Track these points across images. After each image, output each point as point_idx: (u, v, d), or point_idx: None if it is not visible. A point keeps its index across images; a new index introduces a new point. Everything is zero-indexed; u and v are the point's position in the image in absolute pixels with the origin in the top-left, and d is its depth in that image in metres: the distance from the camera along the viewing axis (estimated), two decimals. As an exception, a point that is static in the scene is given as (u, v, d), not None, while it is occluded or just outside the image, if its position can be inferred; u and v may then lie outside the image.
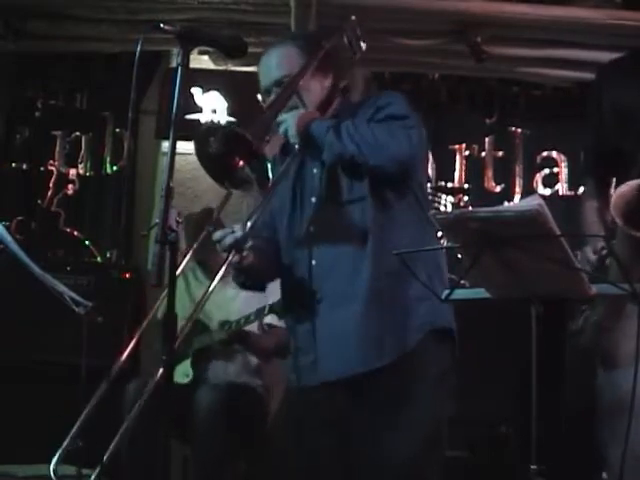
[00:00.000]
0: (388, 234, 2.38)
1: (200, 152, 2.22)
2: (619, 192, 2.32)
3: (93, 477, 2.60)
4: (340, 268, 2.41)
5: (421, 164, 2.54)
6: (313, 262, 2.45)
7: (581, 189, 3.05)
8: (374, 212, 2.39)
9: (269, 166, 2.28)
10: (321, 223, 2.46)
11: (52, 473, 2.64)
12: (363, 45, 2.67)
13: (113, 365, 2.70)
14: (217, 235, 2.33)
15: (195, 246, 2.85)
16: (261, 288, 2.69)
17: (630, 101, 2.56)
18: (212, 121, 4.93)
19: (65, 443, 2.64)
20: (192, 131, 2.25)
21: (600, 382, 2.56)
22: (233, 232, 2.31)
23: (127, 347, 2.68)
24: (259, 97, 2.57)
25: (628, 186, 2.33)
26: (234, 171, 2.24)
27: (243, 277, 2.52)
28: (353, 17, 2.65)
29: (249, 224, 2.33)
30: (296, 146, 2.40)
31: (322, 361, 2.41)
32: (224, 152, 2.22)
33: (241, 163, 2.24)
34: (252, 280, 2.56)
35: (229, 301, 3.99)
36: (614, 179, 2.71)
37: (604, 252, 2.42)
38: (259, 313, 3.66)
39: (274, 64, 2.50)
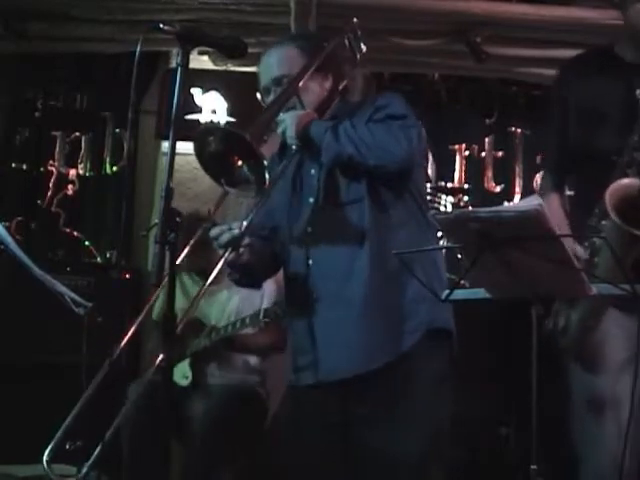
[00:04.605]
0: (385, 236, 2.39)
1: (199, 151, 2.22)
2: (616, 184, 2.31)
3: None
4: (337, 269, 2.41)
5: (419, 164, 2.55)
6: (310, 262, 2.45)
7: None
8: (371, 214, 2.40)
9: (267, 167, 2.28)
10: (318, 224, 2.46)
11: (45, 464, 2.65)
12: (363, 47, 2.69)
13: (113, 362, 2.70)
14: (214, 232, 2.34)
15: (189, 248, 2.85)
16: (256, 285, 2.69)
17: (597, 101, 2.55)
18: (211, 121, 4.93)
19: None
20: (192, 131, 2.25)
21: (575, 381, 2.55)
22: (230, 229, 2.32)
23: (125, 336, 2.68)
24: (258, 96, 2.58)
25: (629, 181, 2.33)
26: (232, 170, 2.25)
27: (237, 275, 2.52)
28: (355, 19, 2.67)
29: (245, 223, 2.33)
30: (293, 146, 2.40)
31: (320, 361, 2.41)
32: (223, 151, 2.22)
33: (239, 162, 2.25)
34: (246, 278, 2.57)
35: (225, 302, 3.99)
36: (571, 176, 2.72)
37: (587, 255, 2.42)
38: (254, 319, 3.65)
39: (274, 63, 2.52)
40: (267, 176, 2.24)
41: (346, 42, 2.65)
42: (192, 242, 2.77)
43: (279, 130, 2.37)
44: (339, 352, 2.38)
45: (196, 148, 2.22)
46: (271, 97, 2.49)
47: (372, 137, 2.31)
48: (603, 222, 2.38)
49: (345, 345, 2.38)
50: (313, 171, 2.49)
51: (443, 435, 2.43)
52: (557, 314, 2.47)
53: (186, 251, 2.77)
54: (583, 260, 2.37)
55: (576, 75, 2.67)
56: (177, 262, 2.47)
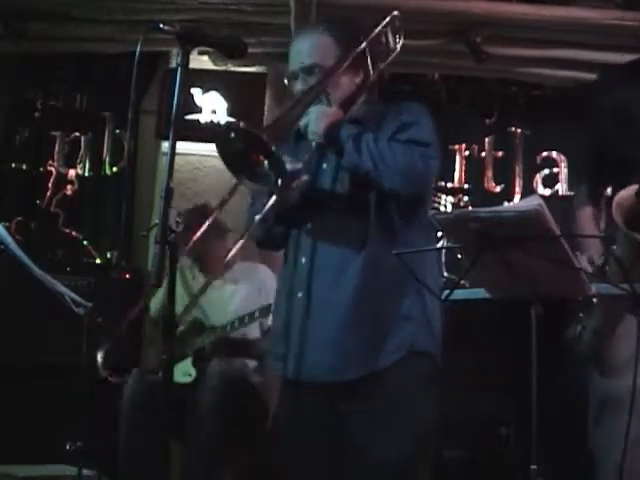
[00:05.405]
0: (385, 247, 2.33)
1: (221, 148, 2.19)
2: (620, 196, 2.32)
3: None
4: (331, 269, 2.38)
5: (430, 189, 2.53)
6: (303, 260, 2.43)
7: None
8: (374, 223, 2.37)
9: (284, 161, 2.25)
10: (322, 223, 2.44)
11: None
12: (400, 42, 2.55)
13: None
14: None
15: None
16: (277, 247, 2.60)
17: (634, 108, 2.57)
18: (211, 120, 4.91)
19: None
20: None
21: (594, 386, 2.56)
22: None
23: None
24: (285, 81, 2.49)
25: (630, 190, 2.33)
26: (254, 167, 2.21)
27: (269, 224, 2.46)
28: (396, 12, 2.54)
29: (260, 215, 2.32)
30: (313, 143, 2.35)
31: (301, 359, 2.39)
32: (244, 149, 2.18)
33: (261, 158, 2.20)
34: (274, 231, 2.50)
35: (226, 300, 3.99)
36: (608, 186, 2.72)
37: (600, 262, 2.43)
38: (264, 312, 3.65)
39: (306, 50, 2.42)
40: (285, 170, 2.21)
41: (383, 38, 2.52)
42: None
43: (301, 123, 2.31)
44: (321, 354, 2.36)
45: (218, 146, 2.19)
46: (299, 84, 2.42)
47: (393, 159, 2.27)
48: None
49: (325, 349, 2.35)
50: (325, 166, 2.45)
51: (429, 436, 2.41)
52: (578, 322, 2.48)
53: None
54: (596, 266, 2.38)
55: (616, 84, 2.68)
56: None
